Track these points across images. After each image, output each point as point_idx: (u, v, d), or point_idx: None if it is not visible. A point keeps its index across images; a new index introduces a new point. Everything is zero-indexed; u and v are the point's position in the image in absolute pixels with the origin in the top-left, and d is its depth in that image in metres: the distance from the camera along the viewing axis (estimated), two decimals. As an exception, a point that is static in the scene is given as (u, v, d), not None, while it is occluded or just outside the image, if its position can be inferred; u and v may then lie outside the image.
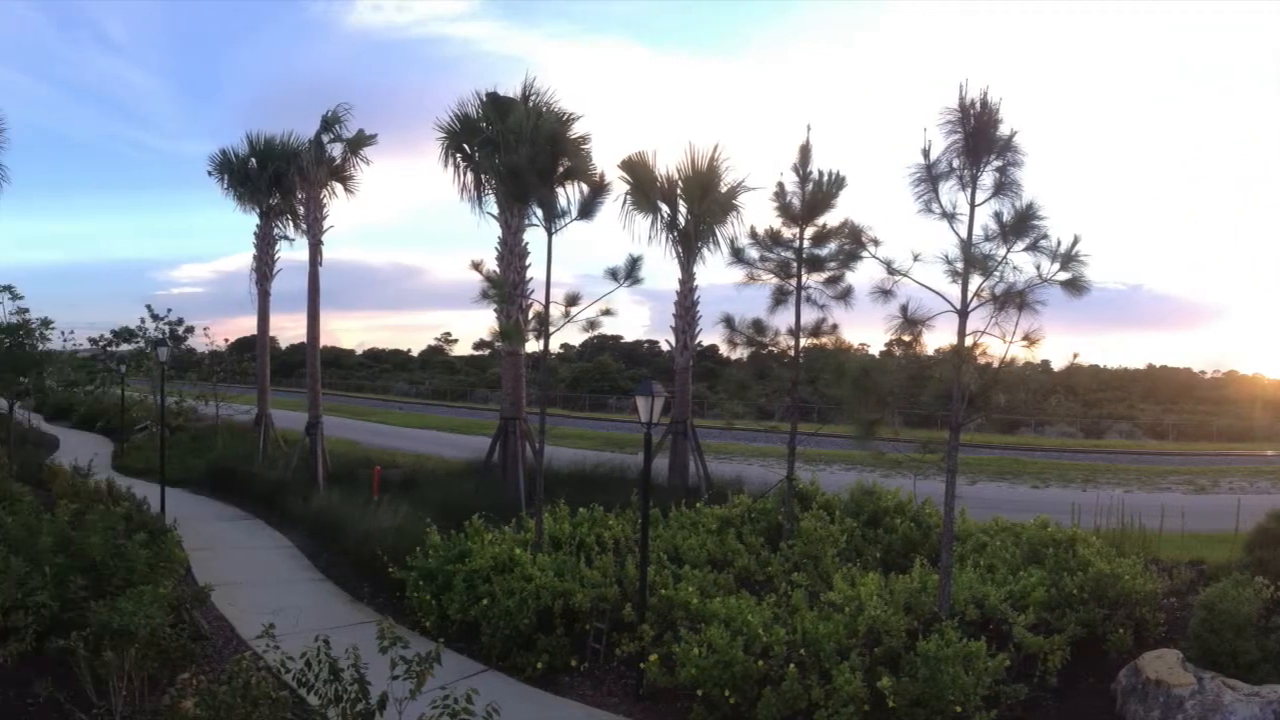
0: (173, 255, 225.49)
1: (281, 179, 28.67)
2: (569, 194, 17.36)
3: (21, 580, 9.77)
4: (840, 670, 9.36)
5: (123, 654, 7.94)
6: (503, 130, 20.83)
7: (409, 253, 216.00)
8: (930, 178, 10.51)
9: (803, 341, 14.77)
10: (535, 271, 22.12)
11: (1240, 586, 10.53)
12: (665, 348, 29.98)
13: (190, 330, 41.45)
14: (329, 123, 26.18)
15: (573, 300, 14.46)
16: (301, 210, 28.28)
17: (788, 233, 14.70)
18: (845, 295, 14.36)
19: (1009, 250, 10.27)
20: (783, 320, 15.07)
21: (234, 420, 37.23)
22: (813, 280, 14.56)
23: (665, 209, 22.25)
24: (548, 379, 16.29)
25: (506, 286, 19.25)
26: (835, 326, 14.61)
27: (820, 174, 14.37)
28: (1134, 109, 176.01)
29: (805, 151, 14.55)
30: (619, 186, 21.42)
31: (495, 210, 22.63)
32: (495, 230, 22.56)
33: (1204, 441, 51.76)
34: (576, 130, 21.26)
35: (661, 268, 39.71)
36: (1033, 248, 10.10)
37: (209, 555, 17.12)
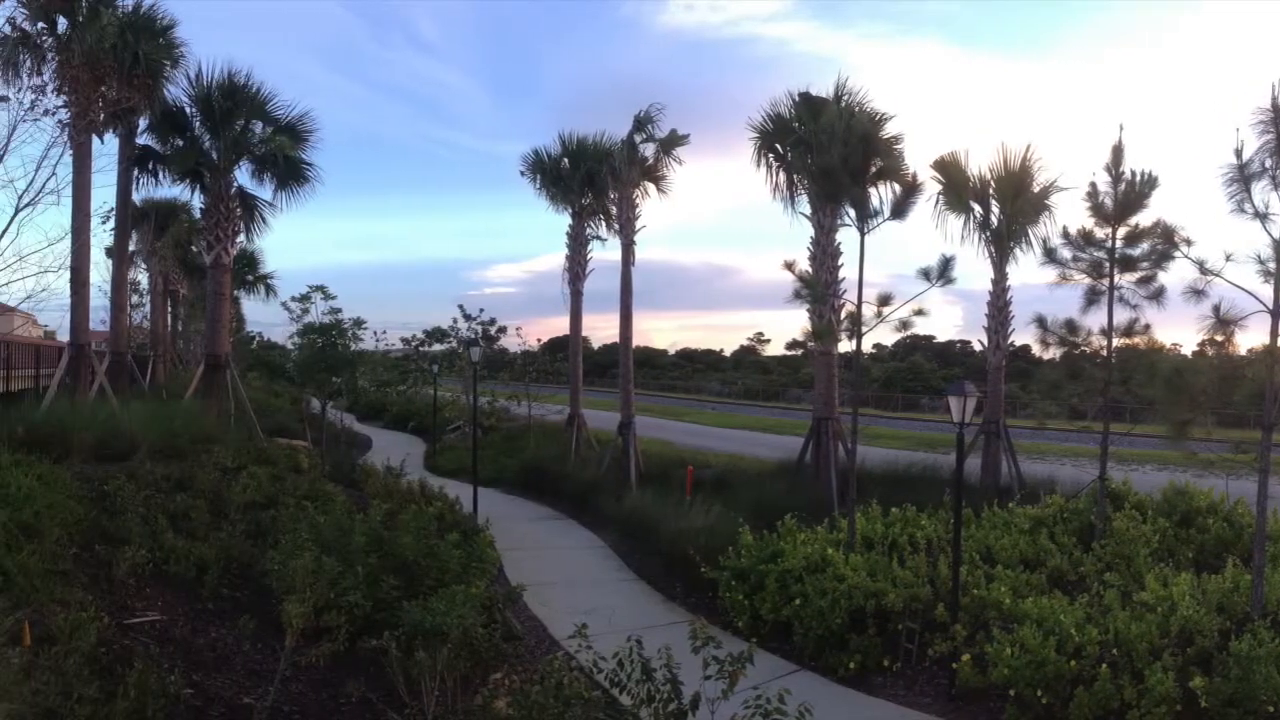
0: (485, 255, 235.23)
1: (594, 179, 29.01)
2: (881, 194, 17.43)
3: (334, 580, 9.62)
4: (1153, 670, 9.27)
5: (435, 654, 7.85)
6: (815, 130, 21.21)
7: (721, 252, 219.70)
8: (1242, 178, 10.41)
9: (1115, 341, 14.60)
10: (847, 271, 22.41)
11: None
12: (978, 348, 29.42)
13: (502, 330, 42.07)
14: (641, 123, 26.66)
15: (885, 300, 14.48)
16: (613, 210, 28.86)
17: (1100, 232, 14.58)
18: (1157, 295, 14.07)
19: (1322, 250, 10.04)
20: (1094, 320, 14.98)
21: (546, 420, 37.20)
22: (1125, 280, 14.36)
23: (977, 209, 22.10)
24: (860, 379, 16.66)
25: (819, 286, 19.37)
26: (1147, 326, 14.35)
27: (1132, 174, 14.18)
28: None
29: (1118, 151, 14.39)
30: (930, 186, 21.43)
31: (807, 210, 23.07)
32: (807, 230, 23.04)
33: None
34: (888, 130, 21.41)
35: (973, 268, 38.98)
36: (1346, 247, 9.85)
37: (521, 555, 17.48)
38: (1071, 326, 15.22)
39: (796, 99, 23.10)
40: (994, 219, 21.96)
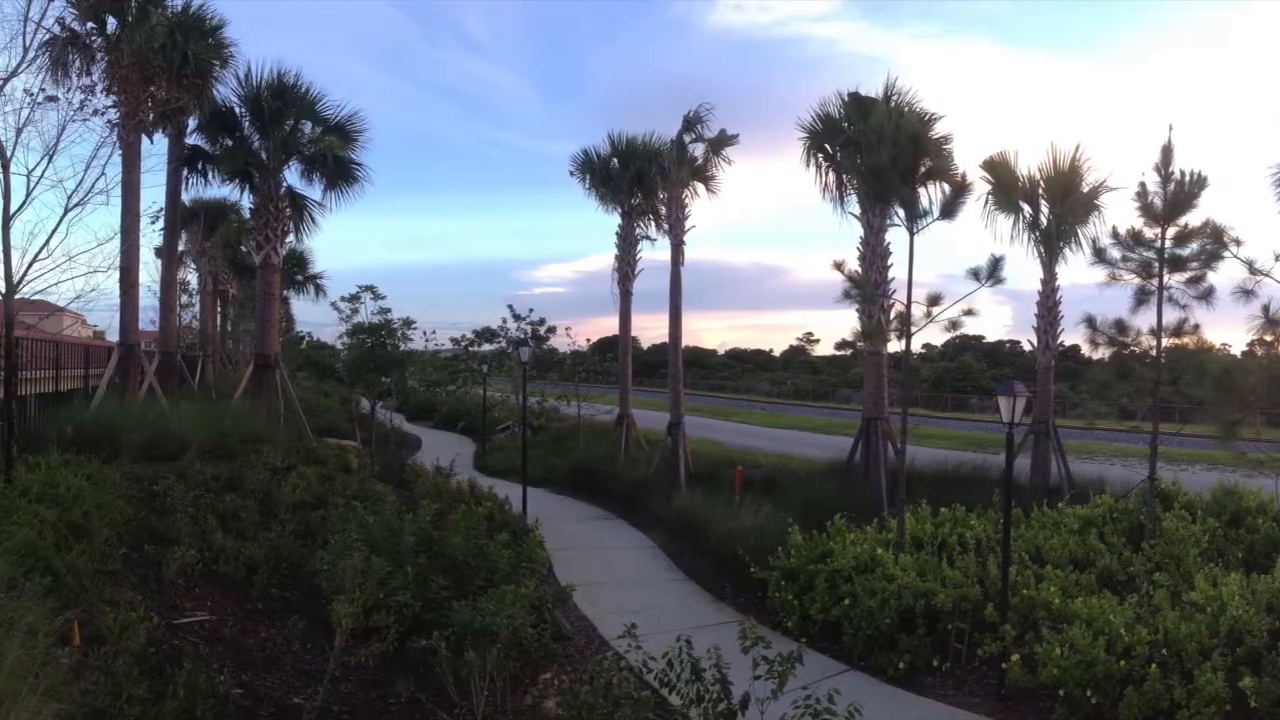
0: (534, 255, 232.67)
1: (643, 179, 28.82)
2: (930, 194, 17.32)
3: (384, 580, 9.61)
4: (1202, 670, 9.25)
5: (484, 654, 7.85)
6: (864, 130, 21.16)
7: (770, 252, 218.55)
8: (1291, 177, 10.49)
9: (1164, 341, 14.58)
10: (896, 271, 22.31)
11: None
12: (1027, 348, 29.22)
13: (552, 330, 42.07)
14: (690, 123, 26.54)
15: (934, 300, 14.45)
16: (663, 210, 28.70)
17: (1149, 233, 14.58)
18: (1207, 295, 14.05)
19: (1369, 249, 10.04)
20: (1144, 320, 14.96)
21: (595, 420, 37.09)
22: (1174, 280, 14.35)
23: (1026, 209, 21.98)
24: (909, 379, 16.60)
25: (868, 286, 19.35)
26: (1197, 326, 14.34)
27: (1182, 174, 14.17)
28: None
29: (1167, 152, 14.38)
30: (980, 186, 21.24)
31: (857, 210, 23.02)
32: (856, 230, 23.00)
33: None
34: (938, 130, 21.33)
35: (1023, 268, 38.62)
36: (1393, 247, 9.84)
37: (570, 555, 17.49)
38: (1121, 326, 15.20)
39: (846, 99, 23.08)
40: (1043, 219, 21.85)
